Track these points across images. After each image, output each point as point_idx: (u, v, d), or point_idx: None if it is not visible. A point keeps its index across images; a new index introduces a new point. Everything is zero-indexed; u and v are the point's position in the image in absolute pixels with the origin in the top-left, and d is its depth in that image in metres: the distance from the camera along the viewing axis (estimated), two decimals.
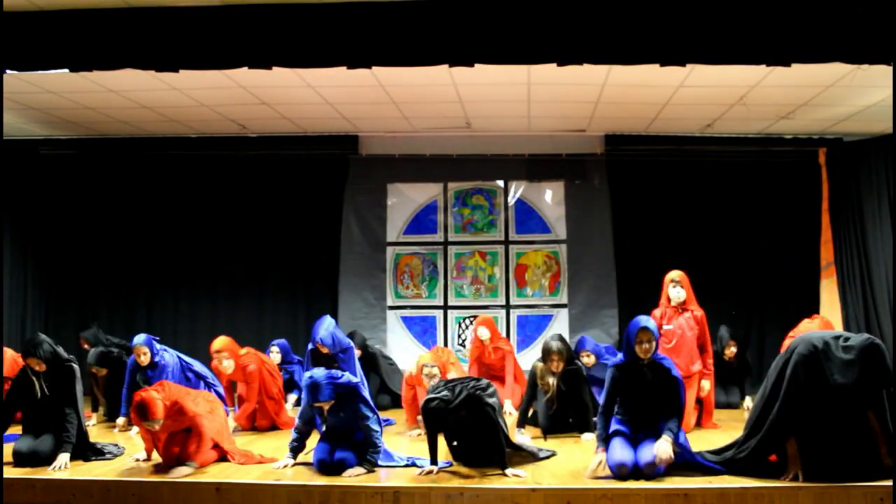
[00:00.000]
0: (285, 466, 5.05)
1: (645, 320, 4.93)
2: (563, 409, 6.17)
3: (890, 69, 5.45)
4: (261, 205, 9.13)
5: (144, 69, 5.65)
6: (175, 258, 9.11)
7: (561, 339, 6.23)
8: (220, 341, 6.60)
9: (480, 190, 9.31)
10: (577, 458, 5.40)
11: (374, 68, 5.82)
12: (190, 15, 5.35)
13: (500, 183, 9.27)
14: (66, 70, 5.63)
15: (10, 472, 4.93)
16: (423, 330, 9.14)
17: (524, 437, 5.90)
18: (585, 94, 7.37)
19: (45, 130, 8.76)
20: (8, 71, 5.58)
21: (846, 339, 4.50)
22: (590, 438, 5.69)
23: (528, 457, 5.20)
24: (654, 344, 4.84)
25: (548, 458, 5.30)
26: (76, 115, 8.11)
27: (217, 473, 4.97)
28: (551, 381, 6.14)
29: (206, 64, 5.60)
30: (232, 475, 4.91)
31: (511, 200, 9.26)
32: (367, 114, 8.17)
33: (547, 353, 6.12)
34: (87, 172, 9.24)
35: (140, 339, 6.51)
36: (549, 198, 9.23)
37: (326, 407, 5.03)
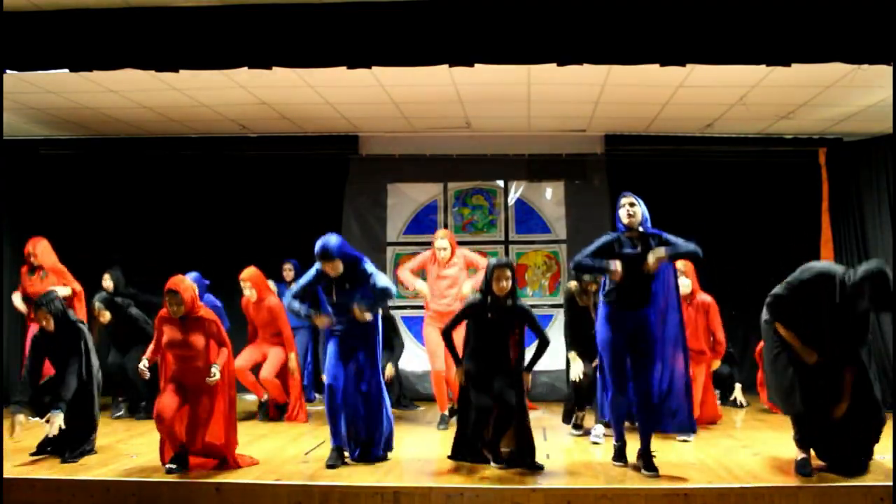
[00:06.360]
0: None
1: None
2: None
3: (890, 69, 5.45)
4: (261, 205, 9.11)
5: (144, 69, 5.65)
6: (175, 258, 9.02)
7: None
8: (248, 271, 7.15)
9: (480, 190, 9.31)
10: (576, 459, 5.42)
11: (374, 68, 5.82)
12: (190, 15, 5.36)
13: (500, 183, 9.26)
14: (66, 70, 5.62)
15: (10, 472, 4.93)
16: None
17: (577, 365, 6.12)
18: (585, 94, 7.37)
19: (45, 130, 8.76)
20: (8, 71, 5.58)
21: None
22: None
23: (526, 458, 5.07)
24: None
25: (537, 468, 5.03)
26: (76, 115, 8.11)
27: (217, 473, 4.98)
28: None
29: (206, 64, 5.60)
30: (232, 475, 4.92)
31: (511, 200, 9.25)
32: (367, 114, 8.17)
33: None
34: (87, 172, 9.22)
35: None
36: (549, 198, 9.23)
37: (333, 272, 4.98)
